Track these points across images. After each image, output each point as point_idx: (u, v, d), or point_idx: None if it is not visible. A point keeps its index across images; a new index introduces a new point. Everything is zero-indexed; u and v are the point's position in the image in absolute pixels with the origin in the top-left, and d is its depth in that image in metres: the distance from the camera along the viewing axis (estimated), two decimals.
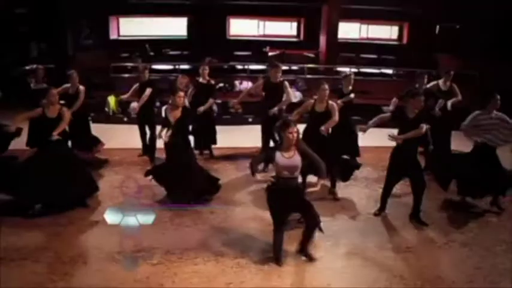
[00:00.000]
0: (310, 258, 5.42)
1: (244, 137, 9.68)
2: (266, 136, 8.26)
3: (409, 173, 6.47)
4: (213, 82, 8.97)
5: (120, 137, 9.93)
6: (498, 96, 6.70)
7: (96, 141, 8.67)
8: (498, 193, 7.02)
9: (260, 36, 15.87)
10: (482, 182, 6.76)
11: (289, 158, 5.08)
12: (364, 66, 13.69)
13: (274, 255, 5.40)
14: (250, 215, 6.67)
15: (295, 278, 5.18)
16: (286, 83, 8.26)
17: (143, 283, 5.00)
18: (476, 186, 6.84)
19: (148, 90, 8.32)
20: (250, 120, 11.22)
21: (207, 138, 9.02)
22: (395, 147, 6.45)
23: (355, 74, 9.91)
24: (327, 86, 6.88)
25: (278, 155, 5.09)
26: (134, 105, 10.19)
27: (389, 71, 13.84)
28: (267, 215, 6.47)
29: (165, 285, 4.97)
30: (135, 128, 8.87)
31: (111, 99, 11.82)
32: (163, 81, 11.54)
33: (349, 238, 6.00)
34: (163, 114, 11.53)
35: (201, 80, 8.84)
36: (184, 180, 6.70)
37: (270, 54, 14.58)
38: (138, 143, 8.87)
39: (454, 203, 7.16)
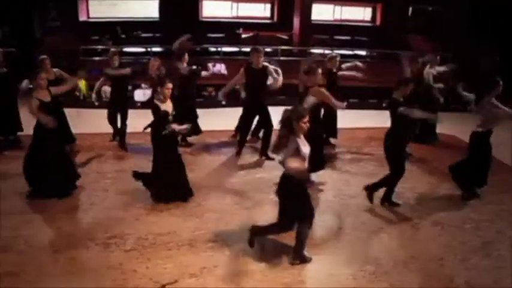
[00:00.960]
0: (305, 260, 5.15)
1: (218, 120, 9.59)
2: (246, 126, 8.08)
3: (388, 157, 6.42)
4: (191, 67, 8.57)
5: (91, 122, 9.71)
6: (501, 82, 6.51)
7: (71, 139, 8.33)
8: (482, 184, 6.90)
9: (233, 17, 15.63)
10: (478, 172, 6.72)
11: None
12: (337, 48, 13.64)
13: (254, 236, 5.25)
14: (223, 199, 6.64)
15: (270, 261, 5.17)
16: (271, 67, 7.87)
17: (116, 270, 4.93)
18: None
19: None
20: (223, 103, 11.12)
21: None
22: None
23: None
24: (320, 70, 6.76)
25: (301, 145, 4.74)
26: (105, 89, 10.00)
27: (363, 53, 13.88)
28: (240, 199, 6.54)
29: (139, 271, 4.91)
30: (106, 112, 8.60)
31: (82, 83, 11.55)
32: (135, 64, 11.29)
33: (322, 219, 6.02)
34: (136, 98, 11.41)
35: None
36: (172, 181, 6.42)
37: (243, 36, 14.43)
38: (109, 128, 8.64)
39: (425, 184, 7.27)
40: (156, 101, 6.20)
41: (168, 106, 6.23)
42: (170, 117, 6.20)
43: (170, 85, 6.22)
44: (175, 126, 6.20)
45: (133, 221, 5.94)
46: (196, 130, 8.68)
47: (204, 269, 4.97)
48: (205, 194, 6.72)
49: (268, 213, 5.98)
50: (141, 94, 11.71)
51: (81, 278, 4.77)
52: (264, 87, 7.83)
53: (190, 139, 8.76)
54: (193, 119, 8.65)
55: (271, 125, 7.78)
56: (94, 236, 5.53)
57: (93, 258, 5.13)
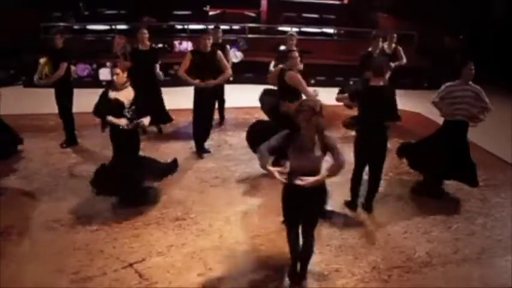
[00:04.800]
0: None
1: (185, 98, 9.45)
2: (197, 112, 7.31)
3: None
4: (154, 46, 8.12)
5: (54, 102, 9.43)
6: (472, 65, 5.92)
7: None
8: (463, 181, 6.36)
9: None
10: (446, 164, 6.20)
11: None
12: (305, 26, 13.61)
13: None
14: (190, 177, 6.60)
15: (237, 238, 5.22)
16: (220, 53, 7.05)
17: (82, 250, 4.88)
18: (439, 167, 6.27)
19: (62, 66, 7.19)
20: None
21: (157, 115, 7.60)
22: None
23: (297, 33, 9.89)
24: (297, 54, 6.41)
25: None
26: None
27: (331, 31, 13.88)
28: (207, 176, 6.50)
29: (105, 251, 4.88)
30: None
31: (44, 62, 11.17)
32: (99, 42, 11.04)
33: None
34: (101, 78, 11.10)
35: (140, 46, 7.82)
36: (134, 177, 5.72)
37: (210, 13, 14.24)
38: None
39: (389, 160, 7.35)
40: (107, 92, 5.49)
41: (124, 95, 5.50)
42: (126, 111, 5.46)
43: (118, 70, 5.46)
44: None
45: (99, 200, 5.84)
46: (164, 117, 8.29)
47: (171, 247, 4.98)
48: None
49: (234, 189, 5.98)
50: (107, 73, 11.45)
51: (46, 261, 4.70)
52: (212, 74, 6.96)
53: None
54: (160, 102, 8.21)
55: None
56: (59, 217, 5.46)
57: (58, 239, 5.07)
